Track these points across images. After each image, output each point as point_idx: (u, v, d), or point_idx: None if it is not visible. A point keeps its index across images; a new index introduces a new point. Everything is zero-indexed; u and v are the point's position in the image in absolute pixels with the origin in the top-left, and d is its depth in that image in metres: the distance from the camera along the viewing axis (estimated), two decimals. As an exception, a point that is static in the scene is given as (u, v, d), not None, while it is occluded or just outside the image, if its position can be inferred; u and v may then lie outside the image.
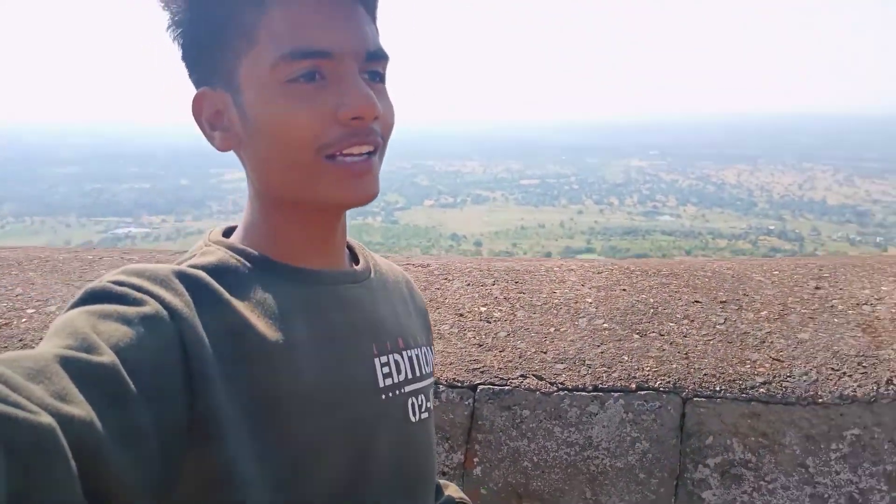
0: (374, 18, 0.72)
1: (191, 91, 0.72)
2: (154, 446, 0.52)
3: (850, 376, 1.66)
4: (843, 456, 1.61)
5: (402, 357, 0.79)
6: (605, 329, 1.93)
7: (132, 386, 0.51)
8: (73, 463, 0.42)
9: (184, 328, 0.58)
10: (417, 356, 0.82)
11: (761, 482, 1.63)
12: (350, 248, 0.84)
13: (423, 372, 0.82)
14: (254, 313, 0.65)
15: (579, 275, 2.30)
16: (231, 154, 0.74)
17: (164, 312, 0.58)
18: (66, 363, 0.48)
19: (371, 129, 0.68)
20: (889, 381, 1.63)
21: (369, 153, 0.69)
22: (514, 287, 2.21)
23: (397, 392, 0.76)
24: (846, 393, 1.62)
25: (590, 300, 2.09)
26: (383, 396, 0.74)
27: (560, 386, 1.74)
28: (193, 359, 0.57)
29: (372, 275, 0.81)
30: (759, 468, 1.64)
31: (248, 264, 0.70)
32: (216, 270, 0.67)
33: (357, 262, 0.83)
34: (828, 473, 1.61)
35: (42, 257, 2.64)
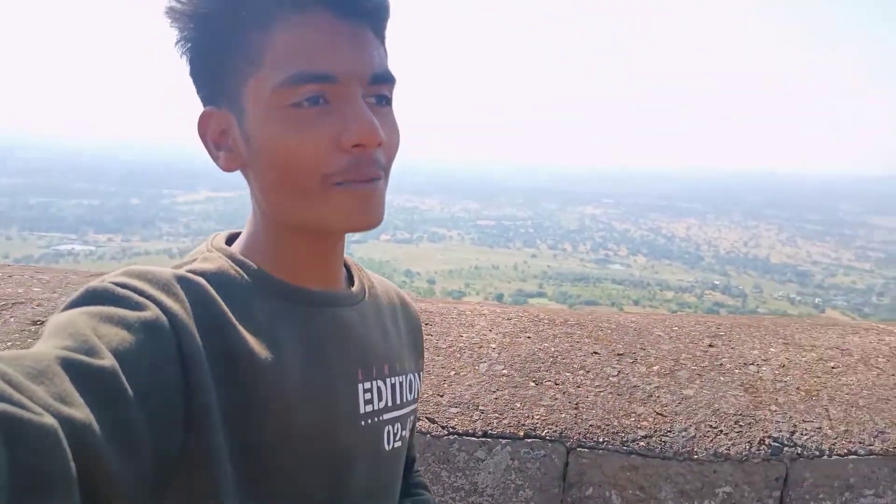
0: (382, 40, 0.71)
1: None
2: (149, 453, 0.52)
3: (725, 434, 1.72)
4: (715, 512, 1.66)
5: (385, 384, 0.79)
6: (503, 375, 1.96)
7: (130, 392, 0.51)
8: (73, 465, 0.42)
9: (182, 336, 0.58)
10: (401, 383, 0.82)
11: (637, 535, 1.67)
12: (346, 268, 0.84)
13: (405, 399, 0.82)
14: (247, 328, 0.65)
15: (489, 320, 2.34)
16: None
17: (164, 319, 0.58)
18: (67, 365, 0.47)
19: (373, 159, 0.68)
20: (761, 441, 1.70)
21: (374, 179, 0.69)
22: (423, 329, 2.23)
23: (376, 419, 0.76)
24: (720, 450, 1.68)
25: (494, 346, 2.13)
26: (362, 423, 0.74)
27: (451, 430, 1.75)
28: (190, 367, 0.58)
29: (366, 297, 0.82)
30: (635, 521, 1.67)
31: (247, 277, 0.70)
32: (215, 279, 0.67)
33: (353, 282, 0.83)
34: (699, 528, 1.66)
35: (-54, 272, 2.56)
